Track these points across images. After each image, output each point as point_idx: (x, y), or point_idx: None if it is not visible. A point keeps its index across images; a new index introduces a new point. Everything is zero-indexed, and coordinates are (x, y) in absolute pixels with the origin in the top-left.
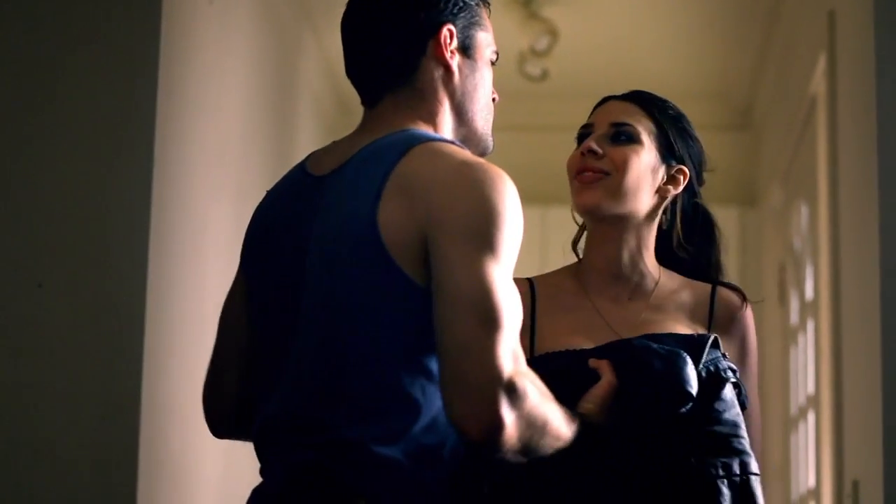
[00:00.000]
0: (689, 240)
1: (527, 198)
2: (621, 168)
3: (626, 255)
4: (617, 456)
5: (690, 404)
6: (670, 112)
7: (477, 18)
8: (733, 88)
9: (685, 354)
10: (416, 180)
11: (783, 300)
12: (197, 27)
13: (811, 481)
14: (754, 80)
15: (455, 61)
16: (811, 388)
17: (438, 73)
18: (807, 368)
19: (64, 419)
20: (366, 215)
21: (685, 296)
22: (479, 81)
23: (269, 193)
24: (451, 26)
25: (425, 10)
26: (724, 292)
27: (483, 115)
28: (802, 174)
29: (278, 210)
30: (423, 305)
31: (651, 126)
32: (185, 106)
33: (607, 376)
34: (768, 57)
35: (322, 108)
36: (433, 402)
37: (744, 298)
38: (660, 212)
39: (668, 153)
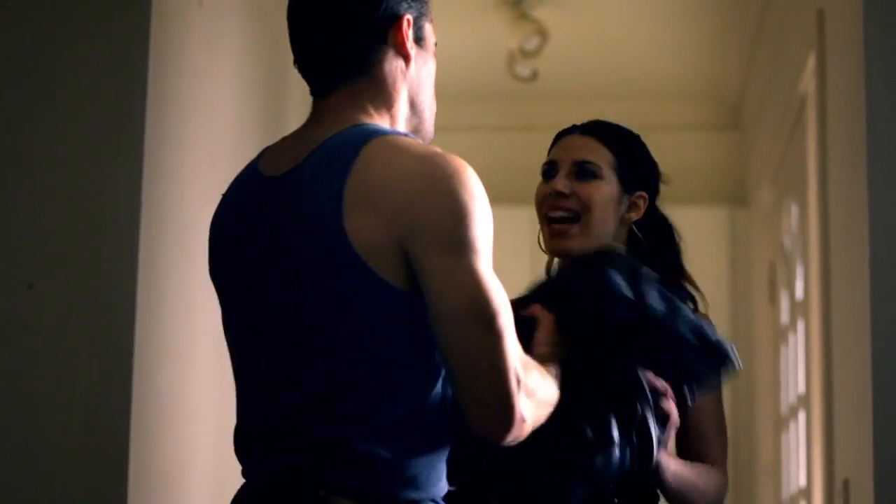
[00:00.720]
0: (653, 252)
1: (515, 198)
2: (588, 206)
3: None
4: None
5: (625, 307)
6: (627, 140)
7: (426, 9)
8: (723, 88)
9: (607, 268)
10: (376, 186)
11: (773, 300)
12: (187, 29)
13: (802, 480)
14: (744, 79)
15: (413, 52)
16: (802, 388)
17: (398, 62)
18: (797, 368)
19: (54, 420)
20: (332, 225)
21: None
22: (429, 72)
23: (224, 198)
24: (409, 16)
25: (386, 0)
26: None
27: (431, 106)
28: (792, 173)
29: (235, 216)
30: (401, 307)
31: (611, 159)
32: (175, 107)
33: (543, 315)
34: (758, 56)
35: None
36: (413, 397)
37: (696, 307)
38: (624, 240)
39: (628, 182)
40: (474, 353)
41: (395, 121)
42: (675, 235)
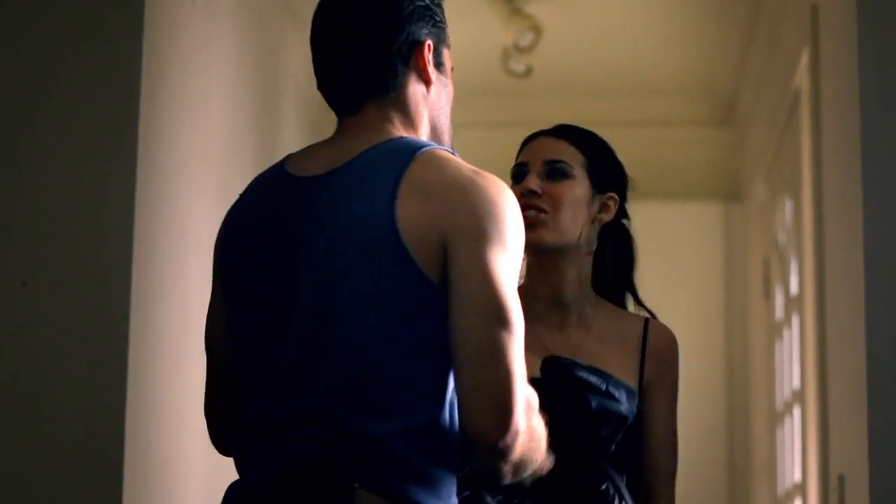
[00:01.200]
0: (618, 261)
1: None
2: (558, 204)
3: (568, 284)
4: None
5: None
6: (597, 143)
7: (445, 35)
8: (717, 84)
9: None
10: (431, 184)
11: (768, 295)
12: (180, 26)
13: (797, 476)
14: (738, 75)
15: (434, 76)
16: (797, 383)
17: (420, 86)
18: (792, 363)
19: (48, 417)
20: (382, 216)
21: (620, 326)
22: (448, 96)
23: (241, 201)
24: (429, 42)
25: (412, 24)
26: (656, 326)
27: (449, 130)
28: (786, 169)
29: (260, 213)
30: (437, 304)
31: (582, 159)
32: (169, 106)
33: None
34: (752, 52)
35: (307, 107)
36: (447, 400)
37: (673, 339)
38: (595, 240)
39: (598, 183)
40: (487, 347)
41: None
42: (633, 248)
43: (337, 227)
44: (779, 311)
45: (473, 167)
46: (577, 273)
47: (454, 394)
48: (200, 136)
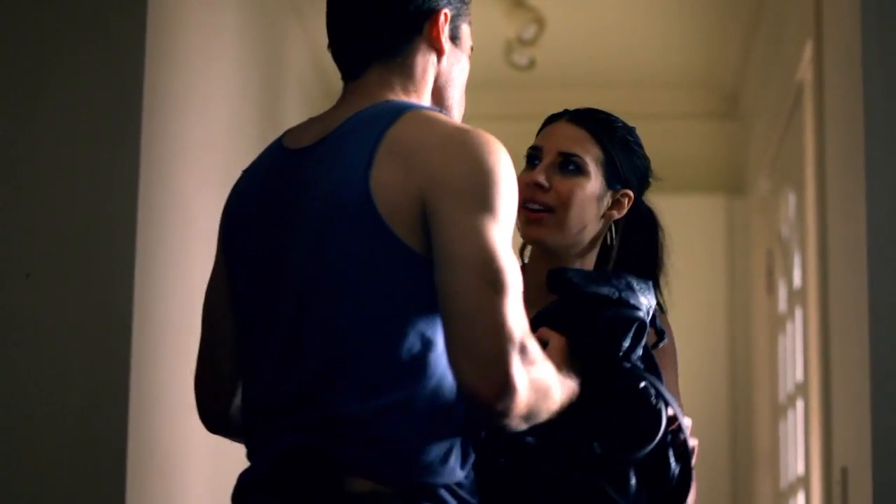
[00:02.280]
0: (633, 246)
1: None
2: (565, 203)
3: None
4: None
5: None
6: (618, 133)
7: (466, 10)
8: (720, 76)
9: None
10: (409, 144)
11: (771, 288)
12: (183, 18)
13: (800, 468)
14: (741, 67)
15: (447, 47)
16: (800, 376)
17: (430, 55)
18: (795, 356)
19: (52, 409)
20: (357, 182)
21: None
22: (461, 71)
23: (245, 173)
24: (447, 11)
25: None
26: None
27: (458, 104)
28: (790, 162)
29: (257, 188)
30: (419, 273)
31: (599, 154)
32: (171, 96)
33: (552, 335)
34: (755, 44)
35: (309, 98)
36: (434, 372)
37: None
38: (603, 234)
39: (613, 179)
40: (472, 306)
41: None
42: (660, 233)
43: (317, 198)
44: (782, 305)
45: (461, 125)
46: (580, 265)
47: (446, 362)
48: (203, 127)
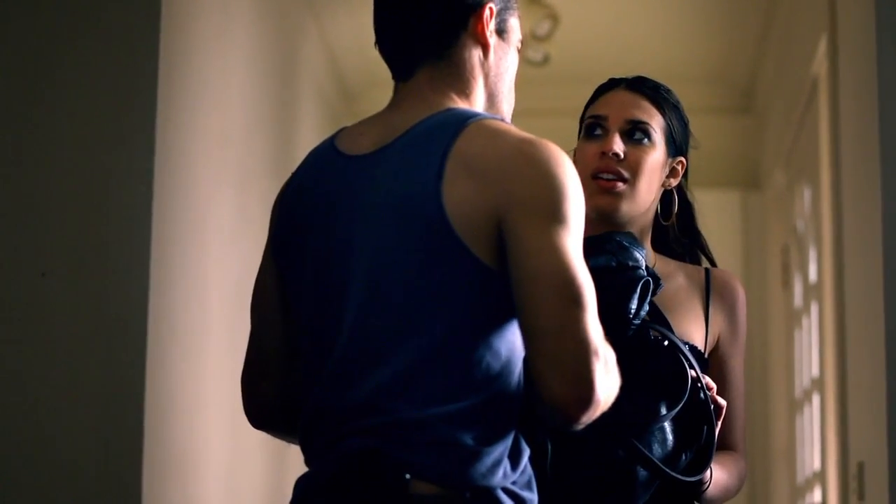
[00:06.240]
0: (680, 221)
1: None
2: (637, 171)
3: None
4: None
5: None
6: (672, 102)
7: (512, 3)
8: (735, 71)
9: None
10: (479, 160)
11: (787, 283)
12: (198, 14)
13: (816, 464)
14: (756, 62)
15: (493, 41)
16: (816, 371)
17: (476, 50)
18: (811, 351)
19: (67, 408)
20: (430, 195)
21: (681, 279)
22: (510, 65)
23: (295, 176)
24: (492, 5)
25: None
26: (717, 272)
27: (509, 99)
28: (805, 156)
29: (311, 193)
30: (491, 287)
31: (662, 122)
32: (186, 93)
33: None
34: (770, 39)
35: (324, 94)
36: (500, 383)
37: (736, 283)
38: (657, 202)
39: (672, 147)
40: (558, 323)
41: (474, 107)
42: (692, 204)
43: (385, 209)
44: (798, 299)
45: (525, 135)
46: (639, 234)
47: (513, 370)
48: (218, 123)
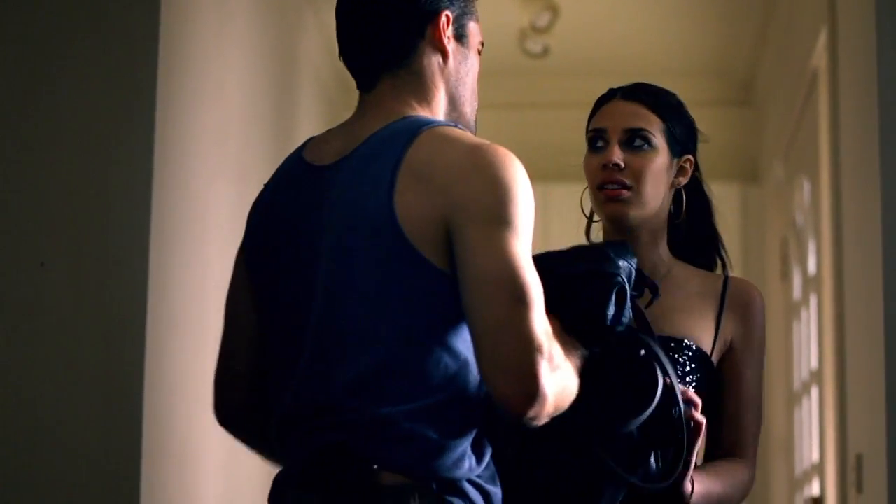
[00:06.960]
0: (693, 218)
1: (528, 175)
2: (640, 177)
3: (641, 248)
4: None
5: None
6: (672, 103)
7: (470, 8)
8: (734, 64)
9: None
10: (429, 167)
11: (786, 276)
12: (197, 9)
13: (815, 456)
14: (755, 55)
15: (451, 47)
16: (814, 363)
17: (436, 57)
18: (810, 343)
19: (65, 399)
20: (382, 205)
21: (695, 285)
22: (470, 68)
23: (267, 187)
24: (448, 13)
25: None
26: (736, 281)
27: (471, 102)
28: (804, 149)
29: (280, 203)
30: (445, 289)
31: (661, 125)
32: (185, 87)
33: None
34: (769, 32)
35: (323, 88)
36: (460, 381)
37: (756, 294)
38: (669, 202)
39: (676, 147)
40: (500, 321)
41: (435, 114)
42: (710, 201)
43: (342, 219)
44: (796, 292)
45: (476, 141)
46: (652, 239)
47: (473, 368)
48: (217, 117)
